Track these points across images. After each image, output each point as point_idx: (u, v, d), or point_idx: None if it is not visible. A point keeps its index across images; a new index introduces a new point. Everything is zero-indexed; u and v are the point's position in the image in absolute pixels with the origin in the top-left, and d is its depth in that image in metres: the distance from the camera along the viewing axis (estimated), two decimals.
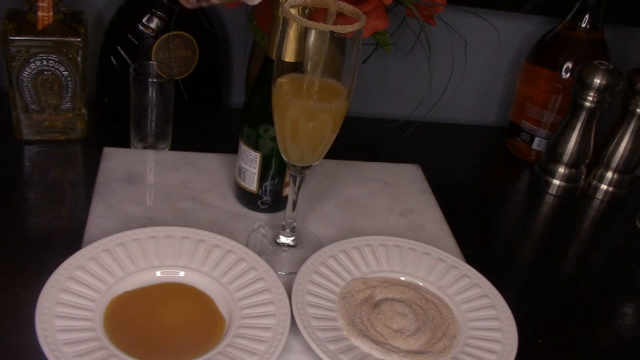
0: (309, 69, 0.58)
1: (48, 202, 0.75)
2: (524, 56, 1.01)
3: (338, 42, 0.57)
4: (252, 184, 0.74)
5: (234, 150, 0.75)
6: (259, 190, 0.74)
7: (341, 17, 0.59)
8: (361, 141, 0.97)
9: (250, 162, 0.72)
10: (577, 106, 0.89)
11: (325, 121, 0.61)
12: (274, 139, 0.67)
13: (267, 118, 0.65)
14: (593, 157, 0.93)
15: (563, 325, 0.72)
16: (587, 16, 0.93)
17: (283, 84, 0.60)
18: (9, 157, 0.81)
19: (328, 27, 0.55)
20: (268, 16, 0.71)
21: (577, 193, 0.95)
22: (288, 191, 0.70)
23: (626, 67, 0.92)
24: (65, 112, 0.83)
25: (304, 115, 0.60)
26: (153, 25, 0.85)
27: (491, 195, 0.94)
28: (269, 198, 0.75)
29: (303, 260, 0.67)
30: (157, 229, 0.67)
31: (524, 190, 0.97)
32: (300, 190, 0.67)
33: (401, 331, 0.62)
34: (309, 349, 0.58)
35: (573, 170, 0.93)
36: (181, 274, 0.64)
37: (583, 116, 0.89)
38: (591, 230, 0.91)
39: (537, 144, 0.99)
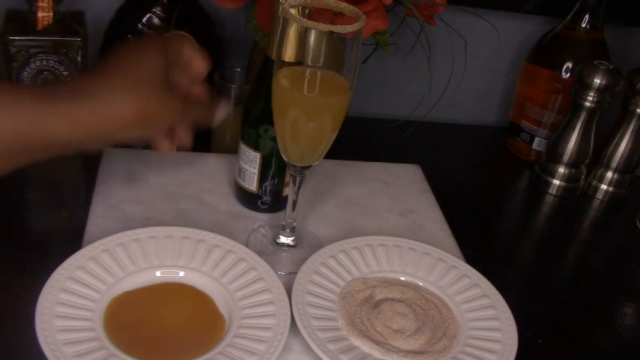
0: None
1: (48, 202, 0.75)
2: (524, 56, 1.01)
3: (338, 41, 0.57)
4: (252, 184, 0.74)
5: (234, 150, 0.75)
6: (259, 190, 0.74)
7: (341, 17, 0.59)
8: (361, 141, 0.97)
9: (250, 162, 0.72)
10: (577, 106, 0.89)
11: (325, 120, 0.61)
12: (274, 139, 0.67)
13: (267, 118, 0.65)
14: (593, 157, 0.93)
15: (563, 325, 0.72)
16: (587, 16, 0.92)
17: (283, 78, 0.60)
18: None
19: (328, 27, 0.55)
20: (268, 16, 0.71)
21: (577, 193, 0.95)
22: (288, 191, 0.70)
23: (626, 67, 0.92)
24: None
25: (304, 112, 0.60)
26: (153, 25, 0.85)
27: (491, 195, 0.94)
28: (269, 198, 0.75)
29: (303, 260, 0.67)
30: (156, 229, 0.67)
31: (524, 190, 0.97)
32: (300, 190, 0.67)
33: (401, 331, 0.62)
34: (309, 349, 0.58)
35: (573, 170, 0.93)
36: (181, 274, 0.64)
37: (583, 116, 0.89)
38: (591, 230, 0.91)
39: (537, 144, 0.99)
